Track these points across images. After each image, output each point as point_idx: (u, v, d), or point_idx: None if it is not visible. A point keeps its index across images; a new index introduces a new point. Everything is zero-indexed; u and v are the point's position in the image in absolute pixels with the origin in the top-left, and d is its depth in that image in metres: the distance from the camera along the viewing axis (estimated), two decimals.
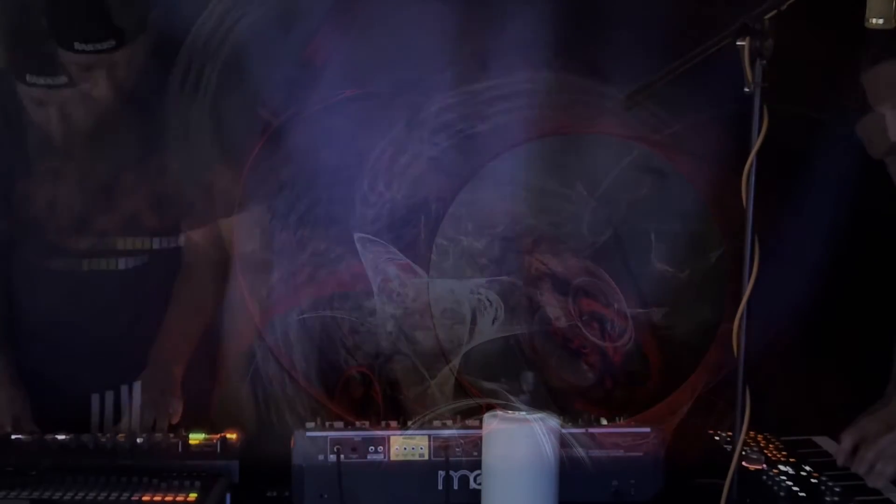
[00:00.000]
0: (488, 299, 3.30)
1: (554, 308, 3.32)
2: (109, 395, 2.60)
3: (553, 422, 2.14)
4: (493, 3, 3.18)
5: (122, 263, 2.84)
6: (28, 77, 2.60)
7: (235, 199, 2.96)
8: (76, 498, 2.20)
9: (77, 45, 2.62)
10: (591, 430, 2.37)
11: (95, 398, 2.57)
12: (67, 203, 2.80)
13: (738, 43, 1.90)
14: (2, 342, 2.84)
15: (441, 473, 2.32)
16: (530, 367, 3.23)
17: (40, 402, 2.77)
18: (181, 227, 2.89)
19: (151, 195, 2.82)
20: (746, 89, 1.91)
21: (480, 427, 2.19)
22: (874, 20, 2.07)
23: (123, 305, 2.87)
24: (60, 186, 2.79)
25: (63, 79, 2.58)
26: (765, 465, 2.38)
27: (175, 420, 2.64)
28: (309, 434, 2.33)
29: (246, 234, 3.03)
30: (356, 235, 3.25)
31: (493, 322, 3.31)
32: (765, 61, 1.90)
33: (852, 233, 3.23)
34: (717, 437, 2.53)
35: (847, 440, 2.46)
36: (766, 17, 1.89)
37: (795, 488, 2.29)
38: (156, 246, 2.86)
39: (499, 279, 3.30)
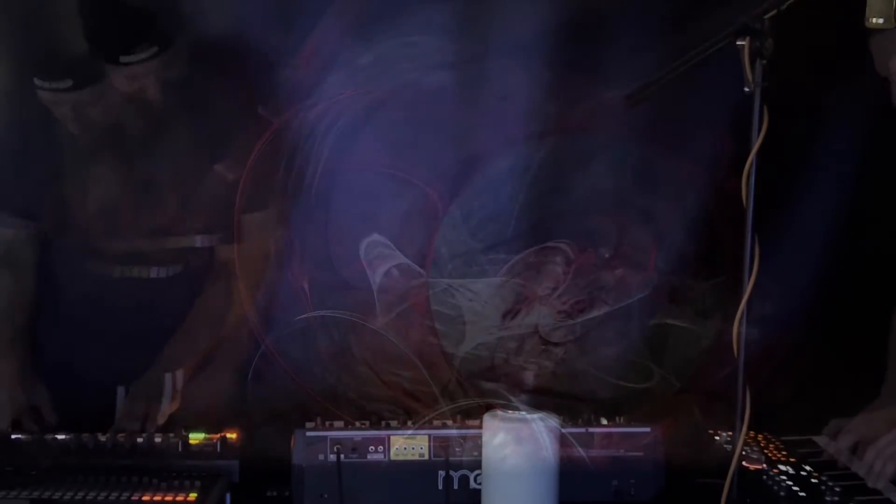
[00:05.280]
0: (488, 298, 3.30)
1: (553, 308, 3.32)
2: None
3: (553, 422, 2.14)
4: (492, 2, 3.18)
5: (153, 272, 2.87)
6: (35, 80, 2.61)
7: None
8: (76, 498, 2.20)
9: (122, 59, 2.66)
10: (591, 429, 2.37)
11: (121, 391, 2.68)
12: (100, 207, 2.81)
13: (738, 43, 1.90)
14: (28, 335, 2.85)
15: (441, 473, 2.33)
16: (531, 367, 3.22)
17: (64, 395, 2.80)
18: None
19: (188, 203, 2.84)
20: (746, 89, 1.91)
21: (480, 427, 2.19)
22: (874, 20, 2.07)
23: (155, 311, 2.89)
24: (94, 190, 2.80)
25: (68, 82, 2.58)
26: (765, 465, 2.38)
27: (161, 421, 2.65)
28: (309, 434, 2.33)
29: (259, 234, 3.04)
30: (355, 234, 3.25)
31: (494, 321, 3.30)
32: (765, 61, 1.90)
33: (851, 233, 3.23)
34: (717, 437, 2.52)
35: (847, 439, 2.46)
36: (766, 17, 1.89)
37: (795, 488, 2.29)
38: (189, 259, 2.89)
39: (499, 278, 3.30)
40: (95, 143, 2.72)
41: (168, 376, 2.75)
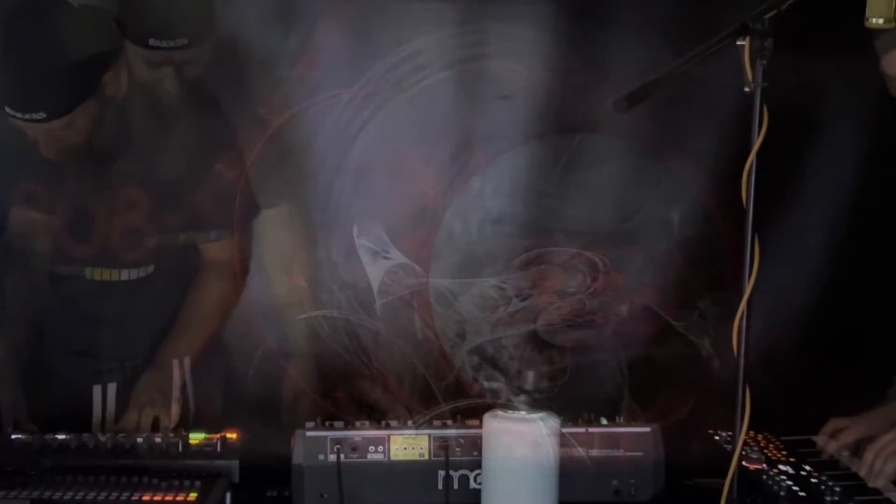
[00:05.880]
0: (488, 299, 3.30)
1: (554, 308, 3.32)
2: (112, 388, 2.71)
3: (553, 422, 2.14)
4: (493, 2, 3.18)
5: (124, 274, 2.85)
6: (7, 109, 2.59)
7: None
8: (76, 498, 2.20)
9: (151, 42, 2.66)
10: (591, 429, 2.37)
11: (97, 390, 2.68)
12: (68, 213, 2.80)
13: (738, 43, 1.90)
14: (14, 342, 2.85)
15: (441, 473, 2.33)
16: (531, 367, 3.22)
17: (41, 399, 2.78)
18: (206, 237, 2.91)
19: (170, 206, 2.83)
20: (746, 89, 1.91)
21: (480, 427, 2.19)
22: (874, 20, 2.07)
23: (128, 312, 2.88)
24: (69, 196, 2.79)
25: (41, 115, 2.56)
26: (765, 465, 2.38)
27: (173, 422, 2.65)
28: (309, 434, 2.33)
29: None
30: (356, 234, 3.25)
31: (494, 322, 3.30)
32: (765, 61, 1.89)
33: (853, 232, 3.23)
34: (717, 437, 2.52)
35: (847, 438, 2.46)
36: (766, 17, 1.89)
37: (795, 488, 2.29)
38: (161, 257, 2.88)
39: (499, 278, 3.30)
40: (69, 160, 2.70)
41: (172, 380, 2.75)
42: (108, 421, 2.80)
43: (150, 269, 2.87)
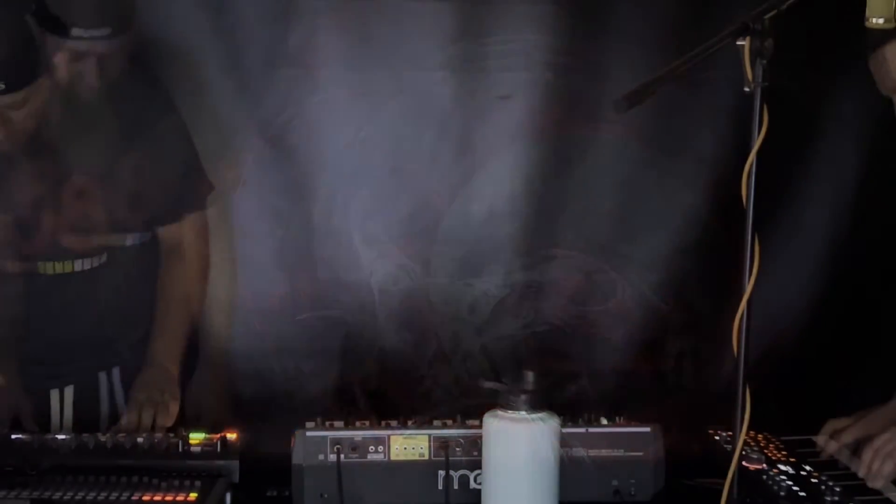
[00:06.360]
0: (488, 299, 3.30)
1: (553, 307, 3.32)
2: (69, 392, 2.75)
3: (553, 422, 2.14)
4: (492, 3, 3.18)
5: (77, 265, 2.82)
6: None
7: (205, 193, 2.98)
8: (76, 498, 2.20)
9: (74, 31, 2.61)
10: (591, 429, 2.37)
11: (55, 394, 2.68)
12: (20, 204, 2.77)
13: (738, 43, 1.90)
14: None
15: (441, 473, 2.32)
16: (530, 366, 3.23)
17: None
18: (154, 223, 2.89)
19: (118, 193, 2.80)
20: (746, 89, 1.91)
21: (480, 427, 2.19)
22: (874, 20, 2.07)
23: (83, 306, 2.85)
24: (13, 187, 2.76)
25: (1, 85, 2.53)
26: (765, 465, 2.38)
27: (171, 421, 2.64)
28: (309, 434, 2.33)
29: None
30: (356, 234, 3.25)
31: (493, 321, 3.30)
32: (765, 61, 1.89)
33: (854, 232, 3.23)
34: (717, 437, 2.52)
35: (847, 438, 2.46)
36: (766, 17, 1.89)
37: (795, 488, 2.29)
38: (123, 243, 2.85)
39: (498, 279, 3.30)
40: (16, 149, 2.67)
41: (169, 377, 2.74)
42: (67, 427, 2.78)
43: (104, 258, 2.84)
